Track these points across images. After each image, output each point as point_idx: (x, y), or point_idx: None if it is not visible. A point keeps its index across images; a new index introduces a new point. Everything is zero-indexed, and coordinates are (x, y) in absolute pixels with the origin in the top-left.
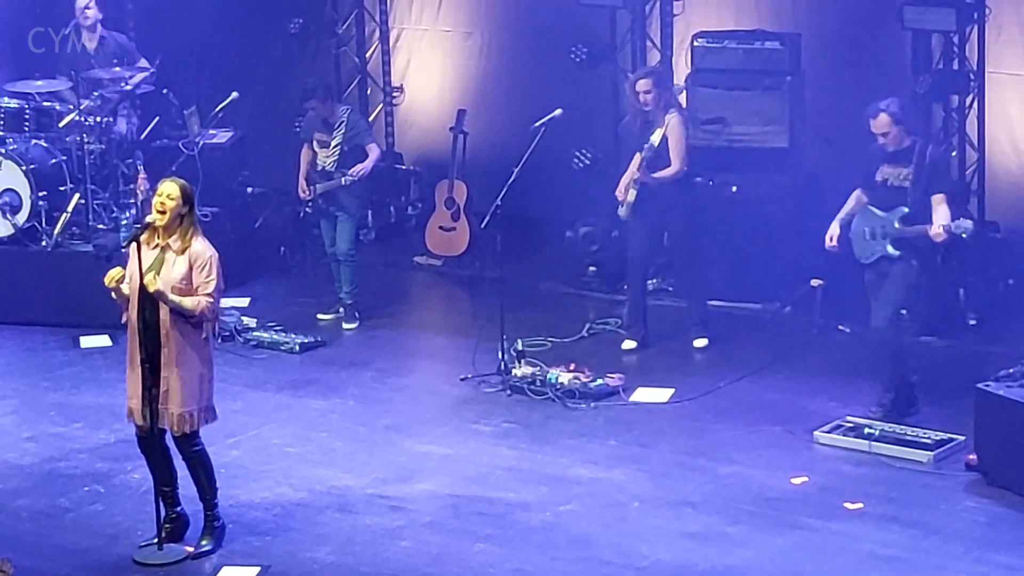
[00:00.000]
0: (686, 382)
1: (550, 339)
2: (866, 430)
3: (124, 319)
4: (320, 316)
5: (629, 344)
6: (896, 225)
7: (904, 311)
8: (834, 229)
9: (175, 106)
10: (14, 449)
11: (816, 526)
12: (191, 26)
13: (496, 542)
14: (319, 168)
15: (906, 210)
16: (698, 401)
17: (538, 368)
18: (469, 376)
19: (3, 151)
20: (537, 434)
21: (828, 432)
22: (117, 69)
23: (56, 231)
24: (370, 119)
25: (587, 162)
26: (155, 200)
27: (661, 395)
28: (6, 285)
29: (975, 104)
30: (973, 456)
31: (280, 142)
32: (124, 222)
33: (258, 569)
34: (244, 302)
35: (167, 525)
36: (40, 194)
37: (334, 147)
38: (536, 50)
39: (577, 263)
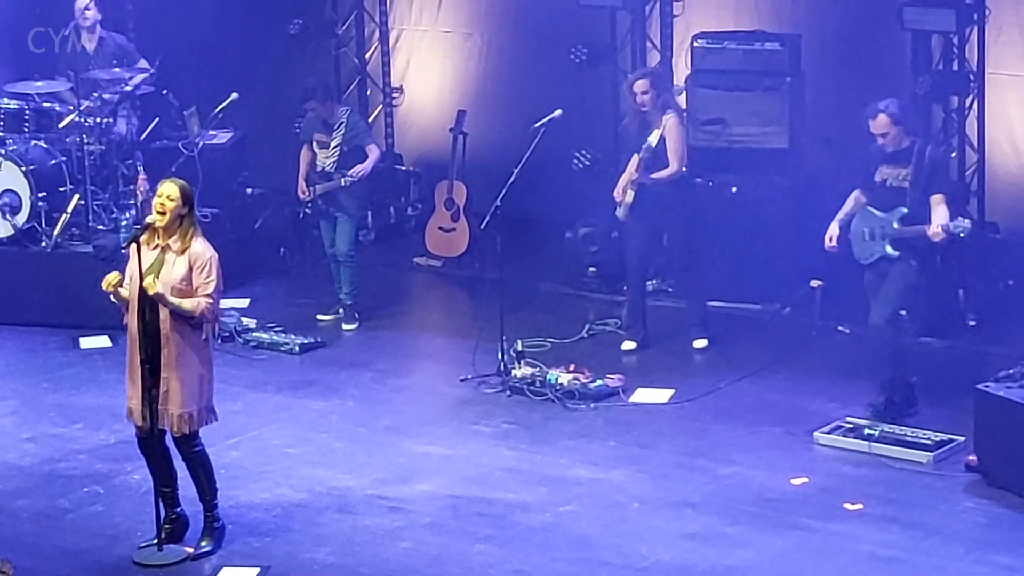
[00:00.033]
0: (686, 383)
1: (550, 340)
2: (866, 431)
3: (124, 321)
4: (320, 317)
5: (629, 345)
6: (895, 226)
7: (903, 312)
8: (833, 230)
9: (175, 107)
10: (14, 450)
11: (816, 527)
12: (191, 27)
13: (496, 543)
14: (319, 169)
15: (905, 211)
16: (698, 402)
17: (538, 369)
18: (469, 377)
19: (3, 152)
20: (537, 435)
21: (828, 433)
22: (117, 70)
23: (56, 232)
24: (370, 120)
25: (587, 163)
26: (155, 201)
27: (661, 396)
28: (6, 286)
29: (975, 105)
30: (973, 457)
31: (280, 143)
32: (124, 223)
33: (258, 570)
34: (244, 303)
35: (167, 526)
36: (40, 195)
37: (334, 148)
38: (536, 51)
39: (577, 264)
